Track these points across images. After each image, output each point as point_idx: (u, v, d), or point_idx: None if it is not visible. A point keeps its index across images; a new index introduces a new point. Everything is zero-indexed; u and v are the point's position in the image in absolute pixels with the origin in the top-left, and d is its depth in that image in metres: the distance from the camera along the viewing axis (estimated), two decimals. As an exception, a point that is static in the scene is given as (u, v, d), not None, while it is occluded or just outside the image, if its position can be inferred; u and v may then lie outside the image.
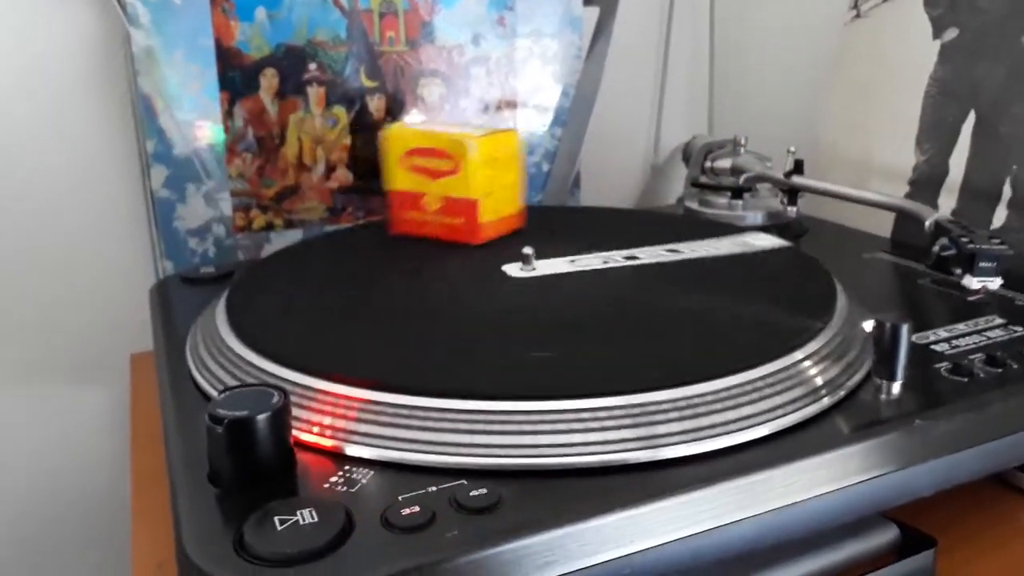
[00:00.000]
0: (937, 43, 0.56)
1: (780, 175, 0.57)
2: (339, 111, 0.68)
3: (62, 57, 0.63)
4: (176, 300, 0.52)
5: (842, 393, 0.34)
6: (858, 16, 0.63)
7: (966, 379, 0.36)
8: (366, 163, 0.69)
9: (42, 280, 0.65)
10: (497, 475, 0.29)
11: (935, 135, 0.56)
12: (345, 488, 0.30)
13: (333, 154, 0.68)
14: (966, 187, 0.53)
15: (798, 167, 0.56)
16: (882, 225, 0.59)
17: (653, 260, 0.48)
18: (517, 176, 0.56)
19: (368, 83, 0.68)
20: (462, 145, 0.52)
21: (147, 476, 0.46)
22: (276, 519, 0.27)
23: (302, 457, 0.31)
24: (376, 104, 0.68)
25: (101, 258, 0.67)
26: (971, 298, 0.45)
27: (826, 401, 0.34)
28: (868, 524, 0.37)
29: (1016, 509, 0.40)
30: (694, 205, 0.61)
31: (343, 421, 0.32)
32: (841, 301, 0.40)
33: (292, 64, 0.66)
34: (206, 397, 0.37)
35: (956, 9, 0.55)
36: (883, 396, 0.34)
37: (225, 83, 0.64)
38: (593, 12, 0.73)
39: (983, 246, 0.39)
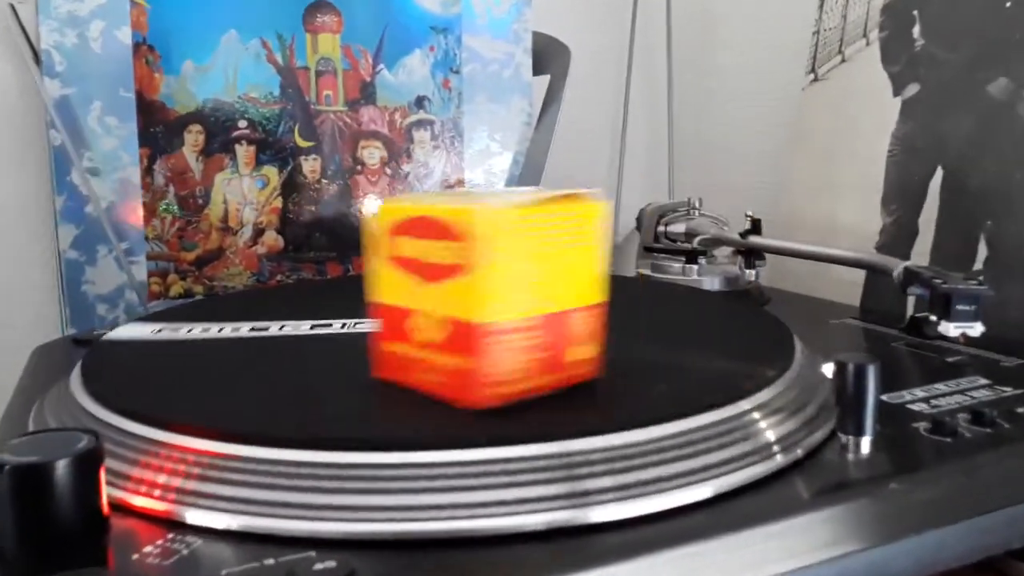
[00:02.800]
0: (898, 100, 0.53)
1: (736, 235, 0.52)
2: (270, 172, 0.63)
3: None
4: (58, 362, 0.46)
5: (800, 452, 0.28)
6: (816, 79, 0.60)
7: (949, 439, 0.30)
8: (297, 227, 0.64)
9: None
10: (356, 545, 0.23)
11: (901, 195, 0.52)
12: (158, 560, 0.23)
13: (262, 217, 0.63)
14: (938, 247, 0.49)
15: (755, 227, 0.52)
16: (849, 295, 0.54)
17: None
18: (595, 283, 0.31)
19: (302, 143, 0.64)
20: (470, 216, 0.27)
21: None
22: (46, 596, 0.20)
23: (123, 524, 0.25)
24: (310, 165, 0.64)
25: (2, 325, 0.60)
26: (951, 359, 0.39)
27: (780, 459, 0.28)
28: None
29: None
30: (647, 271, 0.56)
31: (167, 477, 0.25)
32: (799, 353, 0.35)
33: (220, 120, 0.61)
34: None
35: (915, 64, 0.52)
36: (850, 456, 0.28)
37: (146, 138, 0.60)
38: (544, 79, 0.71)
39: (959, 286, 0.34)
